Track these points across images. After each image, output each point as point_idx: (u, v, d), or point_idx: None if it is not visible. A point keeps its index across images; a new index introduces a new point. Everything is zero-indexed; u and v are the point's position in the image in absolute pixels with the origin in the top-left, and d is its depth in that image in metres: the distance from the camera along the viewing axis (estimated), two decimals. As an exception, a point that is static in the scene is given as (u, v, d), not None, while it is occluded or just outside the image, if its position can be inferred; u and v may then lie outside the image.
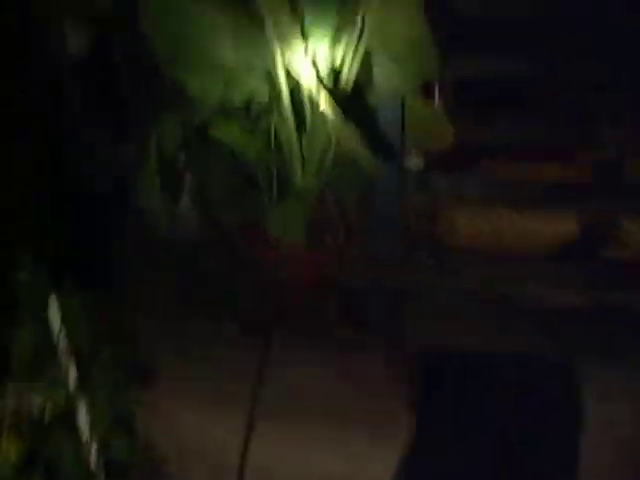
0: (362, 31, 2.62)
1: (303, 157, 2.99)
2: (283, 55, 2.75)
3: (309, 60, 2.74)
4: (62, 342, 2.02)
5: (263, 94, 2.91)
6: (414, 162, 3.01)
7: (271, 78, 2.89)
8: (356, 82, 2.81)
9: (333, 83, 2.79)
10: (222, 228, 3.37)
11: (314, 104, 2.82)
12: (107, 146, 4.29)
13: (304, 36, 2.71)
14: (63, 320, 2.03)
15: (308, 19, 2.70)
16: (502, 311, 2.91)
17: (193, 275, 3.33)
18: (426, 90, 2.89)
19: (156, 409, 2.48)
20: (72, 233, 3.17)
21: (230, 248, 3.34)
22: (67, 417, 2.10)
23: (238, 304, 3.08)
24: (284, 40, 2.68)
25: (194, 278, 3.32)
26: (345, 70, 2.78)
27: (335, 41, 2.73)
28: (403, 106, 2.92)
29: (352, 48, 2.72)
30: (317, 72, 2.76)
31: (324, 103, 2.53)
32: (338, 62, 2.85)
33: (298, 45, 2.69)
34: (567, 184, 3.23)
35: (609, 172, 3.27)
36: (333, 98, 2.67)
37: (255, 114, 3.02)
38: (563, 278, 2.95)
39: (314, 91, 2.73)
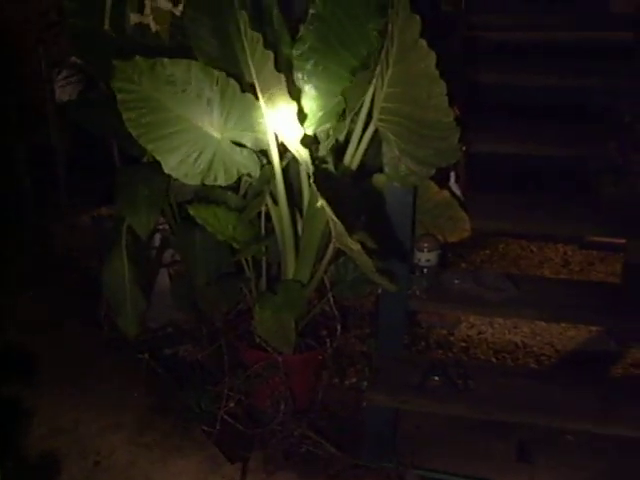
0: (371, 109, 2.22)
1: (297, 246, 2.59)
2: (278, 128, 2.35)
3: (307, 136, 2.34)
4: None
5: (253, 172, 2.51)
6: (426, 258, 2.59)
7: (263, 154, 2.51)
8: (362, 164, 2.43)
9: (334, 163, 2.41)
10: (203, 316, 2.99)
11: (312, 185, 2.44)
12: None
13: (302, 109, 2.31)
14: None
15: (310, 92, 2.32)
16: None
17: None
18: (439, 173, 2.47)
19: None
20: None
21: (210, 340, 2.95)
22: None
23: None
24: (279, 113, 2.27)
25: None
26: (350, 150, 2.39)
27: (341, 117, 2.34)
28: (415, 192, 2.51)
29: (360, 126, 2.32)
30: (314, 151, 2.38)
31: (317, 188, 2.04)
32: (342, 138, 2.48)
33: (294, 118, 2.27)
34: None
35: None
36: (329, 182, 2.25)
37: (243, 194, 2.65)
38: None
39: (308, 168, 2.32)
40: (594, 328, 3.28)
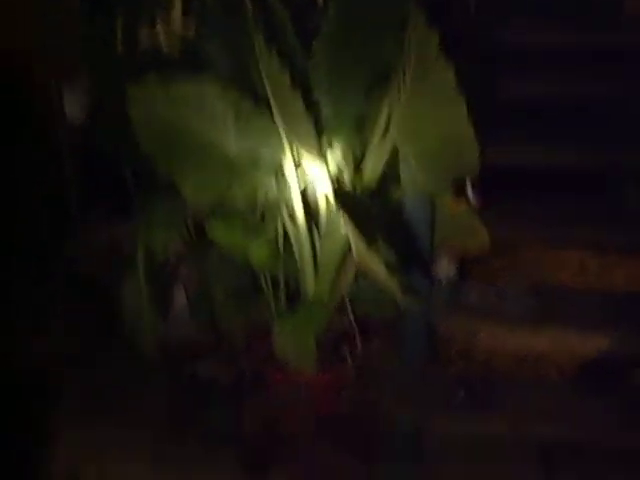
0: (389, 124, 2.20)
1: (316, 264, 2.57)
2: (294, 146, 2.34)
3: (324, 153, 2.32)
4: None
5: (271, 190, 2.50)
6: (445, 270, 2.57)
7: (280, 173, 2.50)
8: (380, 179, 2.40)
9: (352, 179, 2.39)
10: (222, 335, 2.96)
11: (330, 203, 2.42)
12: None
13: (319, 126, 2.29)
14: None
15: (325, 109, 2.30)
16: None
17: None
18: (456, 184, 2.45)
19: None
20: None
21: (230, 359, 2.93)
22: None
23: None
24: (295, 130, 2.26)
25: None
26: (368, 166, 2.36)
27: (356, 133, 2.32)
28: (433, 204, 2.49)
29: (376, 141, 2.30)
30: (332, 168, 2.36)
31: (338, 205, 2.03)
32: (359, 154, 2.46)
33: (311, 135, 2.25)
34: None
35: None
36: (350, 198, 2.23)
37: (261, 214, 2.63)
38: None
39: (329, 188, 2.30)
40: (615, 336, 3.24)
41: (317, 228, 2.57)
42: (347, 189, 2.24)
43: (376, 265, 1.97)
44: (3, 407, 2.71)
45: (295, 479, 2.52)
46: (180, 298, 3.18)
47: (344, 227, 2.04)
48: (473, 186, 2.81)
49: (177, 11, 2.51)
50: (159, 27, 2.53)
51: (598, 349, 3.19)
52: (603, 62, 3.42)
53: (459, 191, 2.70)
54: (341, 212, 1.95)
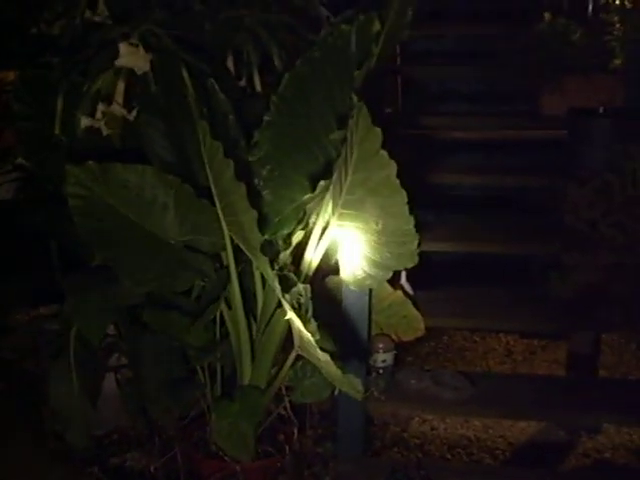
0: (331, 215, 2.24)
1: (253, 350, 2.55)
2: (235, 234, 2.34)
3: (265, 241, 2.34)
4: None
5: (209, 276, 2.49)
6: (382, 358, 2.59)
7: (219, 259, 2.50)
8: (319, 268, 2.43)
9: (292, 268, 2.41)
10: (154, 423, 2.88)
11: (269, 289, 2.43)
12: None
13: (260, 215, 2.31)
14: None
15: (267, 198, 2.33)
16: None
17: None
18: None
19: None
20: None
21: (162, 448, 2.84)
22: None
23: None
24: (236, 219, 2.27)
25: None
26: (308, 254, 2.38)
27: (298, 223, 2.35)
28: (370, 293, 2.53)
29: (318, 231, 2.32)
30: (272, 256, 2.37)
31: (277, 289, 2.05)
32: (300, 243, 2.47)
33: (252, 224, 2.27)
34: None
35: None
36: (291, 286, 2.24)
37: (196, 298, 2.60)
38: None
39: (269, 275, 2.30)
40: (545, 421, 3.31)
41: (253, 314, 2.56)
42: (288, 276, 2.25)
43: (317, 352, 1.96)
44: None
45: None
46: (109, 385, 3.09)
47: (285, 313, 2.04)
48: (407, 274, 2.87)
49: (119, 93, 2.51)
50: (100, 109, 2.51)
51: (529, 433, 3.27)
52: (524, 154, 3.62)
53: (394, 279, 2.76)
54: (283, 298, 1.95)
